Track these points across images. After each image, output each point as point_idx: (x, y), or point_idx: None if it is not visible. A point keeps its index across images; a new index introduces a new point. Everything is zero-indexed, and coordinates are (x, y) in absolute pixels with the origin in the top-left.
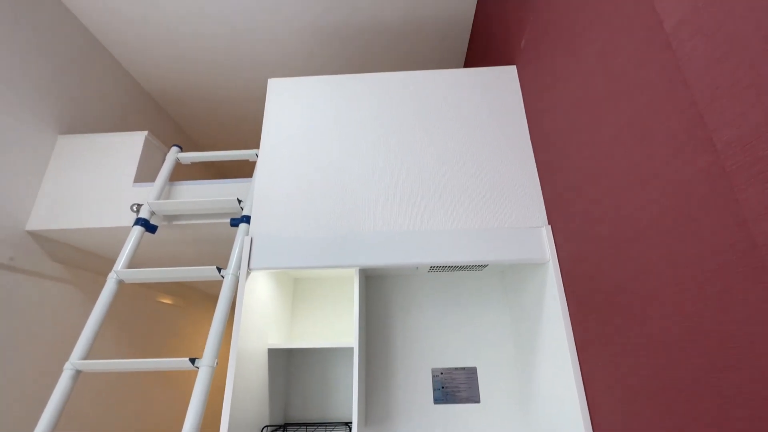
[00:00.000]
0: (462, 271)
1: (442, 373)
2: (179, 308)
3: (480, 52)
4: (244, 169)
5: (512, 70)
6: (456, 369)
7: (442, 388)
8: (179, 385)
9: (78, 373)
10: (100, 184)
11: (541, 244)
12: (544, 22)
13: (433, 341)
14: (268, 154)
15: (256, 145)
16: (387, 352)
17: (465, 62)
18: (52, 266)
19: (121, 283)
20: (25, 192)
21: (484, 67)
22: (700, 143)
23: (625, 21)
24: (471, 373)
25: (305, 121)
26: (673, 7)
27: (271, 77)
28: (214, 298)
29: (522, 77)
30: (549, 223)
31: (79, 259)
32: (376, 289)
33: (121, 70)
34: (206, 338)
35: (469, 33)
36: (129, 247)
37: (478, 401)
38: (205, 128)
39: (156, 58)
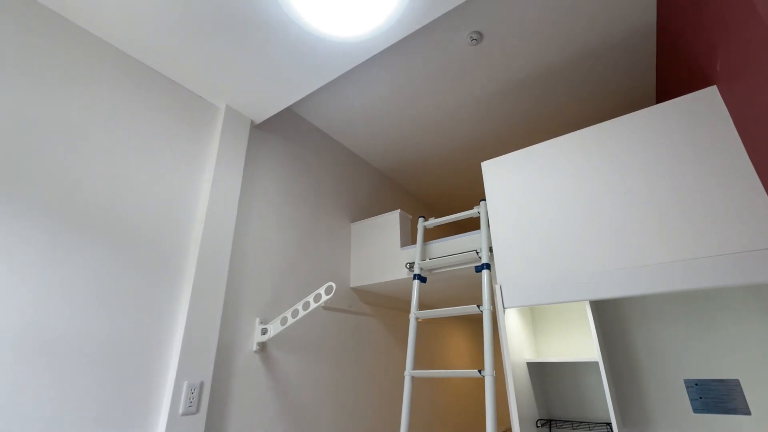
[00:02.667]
0: None
1: (697, 384)
2: (428, 324)
3: (671, 70)
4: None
5: (712, 91)
6: (712, 381)
7: (700, 398)
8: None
9: (412, 379)
10: (380, 251)
11: None
12: (744, 42)
13: (679, 353)
14: (497, 220)
15: (476, 197)
16: (632, 364)
17: (657, 84)
18: (364, 307)
19: (417, 320)
20: (345, 263)
21: (680, 98)
22: None
23: None
24: (733, 386)
25: (519, 186)
26: None
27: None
28: (454, 318)
29: (726, 95)
30: None
31: (376, 300)
32: (611, 308)
33: (371, 167)
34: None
35: (655, 54)
36: (415, 295)
37: (748, 413)
38: (431, 190)
39: (388, 148)
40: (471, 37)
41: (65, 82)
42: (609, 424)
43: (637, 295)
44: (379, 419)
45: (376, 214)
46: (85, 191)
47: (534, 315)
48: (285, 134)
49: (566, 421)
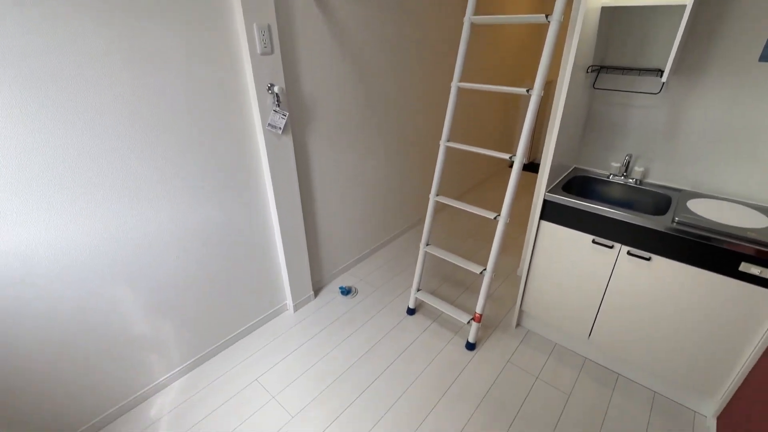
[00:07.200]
0: None
1: None
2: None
3: None
4: None
5: None
6: None
7: None
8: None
9: (458, 89)
10: None
11: None
12: None
13: None
14: None
15: None
16: (721, 10)
17: None
18: None
19: (472, 26)
20: None
21: None
22: None
23: None
24: None
25: None
26: None
27: None
28: None
29: None
30: None
31: None
32: None
33: None
34: None
35: None
36: None
37: None
38: None
39: None
40: None
41: None
42: (660, 70)
43: None
44: (433, 60)
45: None
46: None
47: None
48: None
49: (617, 68)
